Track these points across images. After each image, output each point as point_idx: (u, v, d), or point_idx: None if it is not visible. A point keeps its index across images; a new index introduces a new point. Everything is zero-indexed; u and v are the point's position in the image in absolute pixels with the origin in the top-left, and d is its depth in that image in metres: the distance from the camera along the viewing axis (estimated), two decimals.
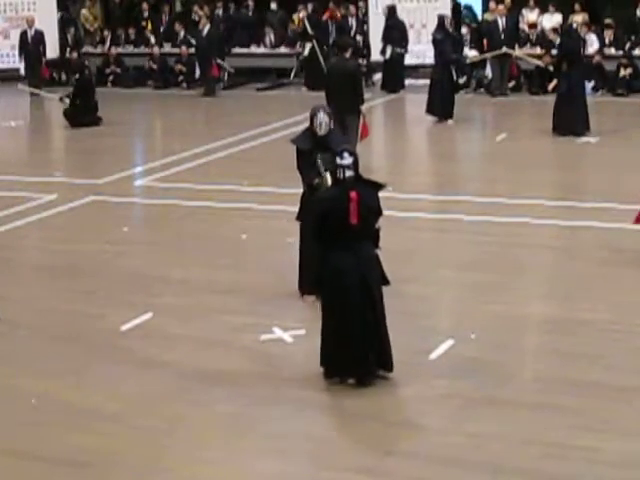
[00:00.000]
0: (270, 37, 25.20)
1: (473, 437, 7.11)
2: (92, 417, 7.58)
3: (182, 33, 25.27)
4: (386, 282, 8.13)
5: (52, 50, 24.73)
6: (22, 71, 23.84)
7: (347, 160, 7.84)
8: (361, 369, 7.97)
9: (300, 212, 9.87)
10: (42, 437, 7.30)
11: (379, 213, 8.07)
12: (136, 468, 6.86)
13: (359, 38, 23.97)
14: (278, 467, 6.85)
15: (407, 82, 23.46)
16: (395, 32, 22.86)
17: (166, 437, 7.29)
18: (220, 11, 26.12)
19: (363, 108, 14.68)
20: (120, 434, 7.32)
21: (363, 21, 24.71)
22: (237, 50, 25.22)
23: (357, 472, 6.72)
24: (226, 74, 24.54)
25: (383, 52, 22.98)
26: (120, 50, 25.81)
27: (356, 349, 7.87)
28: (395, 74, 23.10)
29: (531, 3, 23.99)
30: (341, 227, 7.81)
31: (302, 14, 24.53)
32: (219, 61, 23.70)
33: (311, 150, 9.64)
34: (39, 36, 23.82)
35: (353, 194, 7.78)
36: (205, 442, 7.16)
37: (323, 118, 9.58)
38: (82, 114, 19.57)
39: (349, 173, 7.86)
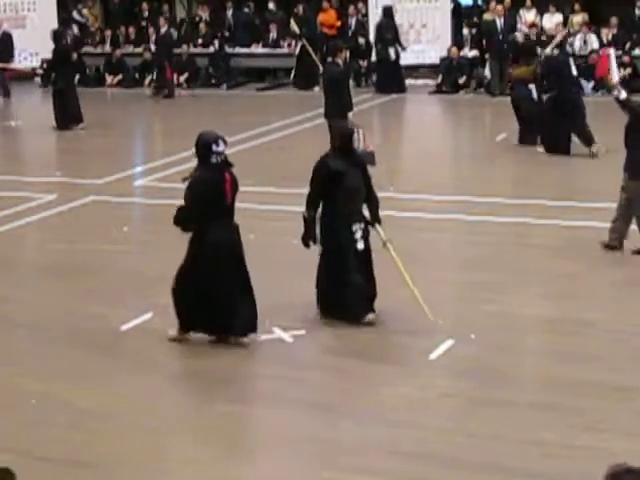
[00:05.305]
0: (272, 36, 25.22)
1: (473, 437, 7.12)
2: (92, 417, 7.58)
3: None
4: None
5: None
6: None
7: (221, 147, 8.70)
8: (222, 328, 8.71)
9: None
10: (42, 437, 7.30)
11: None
12: (136, 468, 6.86)
13: (361, 40, 23.90)
14: (278, 467, 6.85)
15: (407, 82, 23.44)
16: (390, 33, 22.80)
17: (166, 437, 7.29)
18: (230, 12, 26.08)
19: (350, 115, 14.33)
20: (120, 434, 7.32)
21: (363, 21, 24.67)
22: (237, 50, 25.22)
23: (357, 472, 6.72)
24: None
25: (386, 53, 22.82)
26: (122, 50, 25.82)
27: (223, 308, 8.59)
28: (398, 75, 23.03)
29: (528, 3, 23.96)
30: (217, 206, 8.62)
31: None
32: None
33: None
34: (6, 38, 23.38)
35: (227, 176, 8.68)
36: (205, 442, 7.17)
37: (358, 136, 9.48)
38: (65, 104, 19.21)
39: (221, 158, 8.69)
